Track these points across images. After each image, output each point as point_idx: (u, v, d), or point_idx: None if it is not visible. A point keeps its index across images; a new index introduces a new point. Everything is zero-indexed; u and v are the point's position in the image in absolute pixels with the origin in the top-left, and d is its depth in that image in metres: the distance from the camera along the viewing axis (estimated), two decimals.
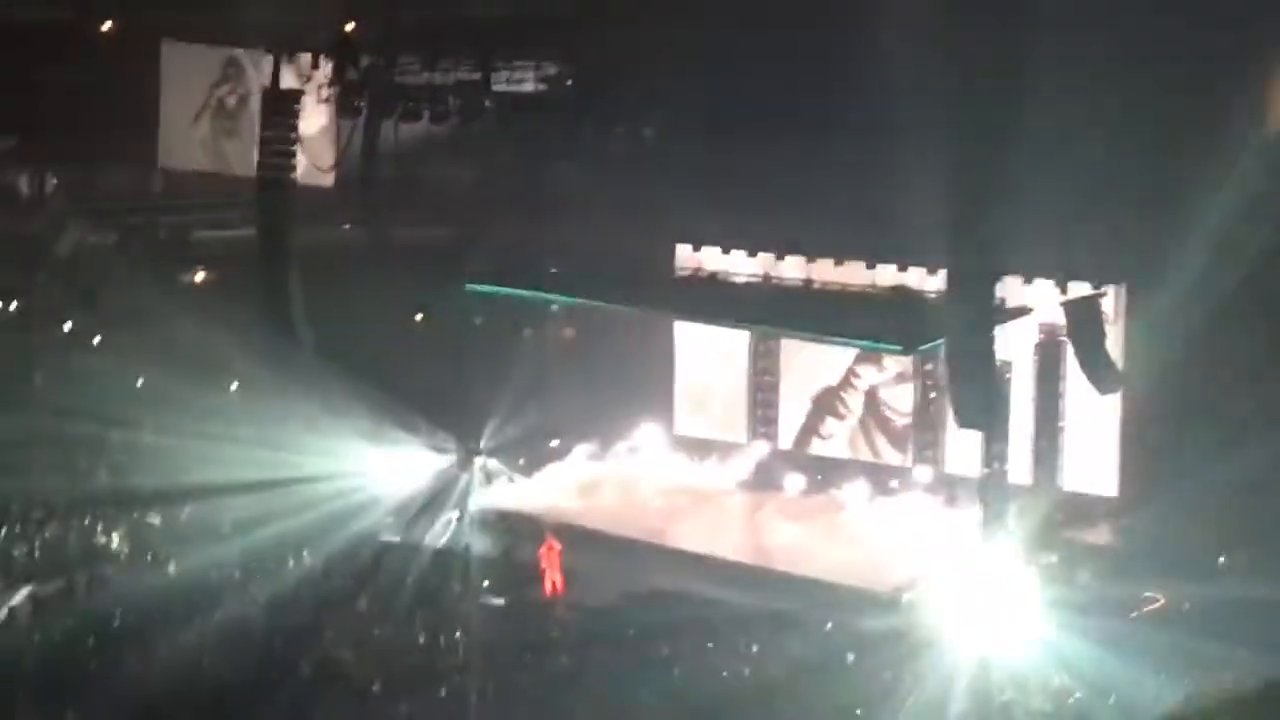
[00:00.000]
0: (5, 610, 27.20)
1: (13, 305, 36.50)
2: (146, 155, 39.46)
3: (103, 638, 25.65)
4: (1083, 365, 29.72)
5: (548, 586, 29.37)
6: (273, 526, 29.05)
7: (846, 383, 34.68)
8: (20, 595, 27.53)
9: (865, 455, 34.29)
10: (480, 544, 30.53)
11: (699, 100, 30.90)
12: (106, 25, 38.70)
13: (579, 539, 30.70)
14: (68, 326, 36.03)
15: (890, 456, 34.08)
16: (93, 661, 25.07)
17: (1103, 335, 29.78)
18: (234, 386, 32.76)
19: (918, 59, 27.82)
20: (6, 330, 35.99)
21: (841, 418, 34.76)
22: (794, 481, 33.92)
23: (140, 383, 33.66)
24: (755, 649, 26.19)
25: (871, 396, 34.48)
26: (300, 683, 24.89)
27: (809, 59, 30.78)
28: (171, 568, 28.28)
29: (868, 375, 34.37)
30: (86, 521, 30.10)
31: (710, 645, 26.35)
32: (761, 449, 34.76)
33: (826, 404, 34.84)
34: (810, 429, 34.96)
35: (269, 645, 26.08)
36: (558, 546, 29.71)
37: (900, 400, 34.02)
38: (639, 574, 29.86)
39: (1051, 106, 27.50)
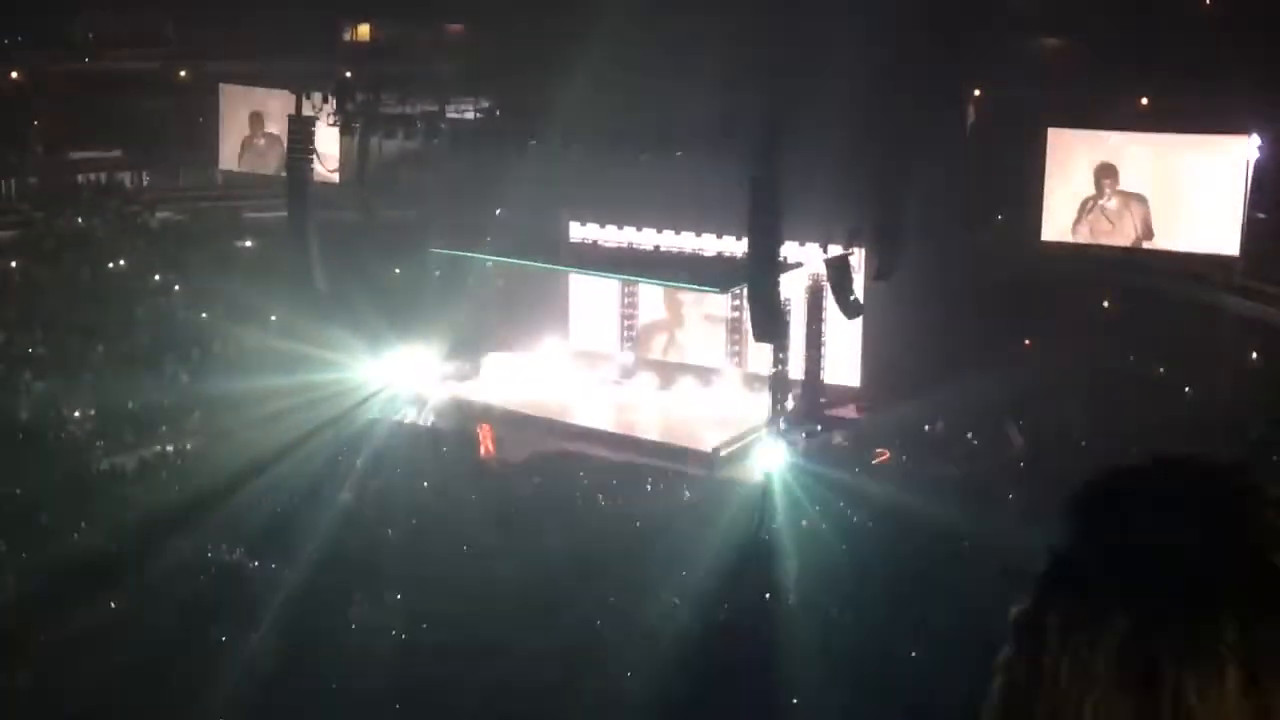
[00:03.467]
0: None
1: (120, 263, 36.28)
2: (210, 161, 39.10)
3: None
4: (837, 300, 29.82)
5: (482, 450, 29.72)
6: (311, 409, 29.15)
7: (683, 311, 34.71)
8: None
9: (696, 360, 34.17)
10: (440, 421, 31.30)
11: (584, 123, 30.32)
12: (183, 73, 38.51)
13: (507, 418, 30.96)
14: (156, 278, 35.86)
15: (712, 360, 33.91)
16: None
17: (850, 281, 29.79)
18: (273, 318, 32.55)
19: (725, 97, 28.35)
20: (115, 280, 35.67)
21: (678, 336, 34.74)
22: (648, 377, 33.96)
23: (205, 317, 33.65)
24: (620, 485, 26.92)
25: (700, 321, 34.52)
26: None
27: (652, 95, 30.81)
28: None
29: (698, 306, 34.34)
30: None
31: (587, 482, 27.07)
32: (627, 356, 34.71)
33: (667, 326, 34.84)
34: (658, 343, 34.91)
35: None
36: (489, 426, 30.05)
37: (717, 323, 33.95)
38: (546, 440, 30.15)
39: (818, 127, 28.36)
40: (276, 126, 36.48)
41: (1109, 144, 30.92)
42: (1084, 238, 31.20)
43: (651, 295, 34.61)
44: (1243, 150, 29.22)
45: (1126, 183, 30.84)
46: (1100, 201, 30.99)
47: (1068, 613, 1.74)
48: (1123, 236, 30.90)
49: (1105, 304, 31.01)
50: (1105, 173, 30.87)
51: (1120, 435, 25.25)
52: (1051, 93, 30.92)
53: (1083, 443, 26.70)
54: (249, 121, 38.58)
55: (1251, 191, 29.04)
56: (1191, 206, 29.96)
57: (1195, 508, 1.75)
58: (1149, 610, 1.69)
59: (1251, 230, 29.08)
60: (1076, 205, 31.25)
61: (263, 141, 38.40)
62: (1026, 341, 31.18)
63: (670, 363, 34.46)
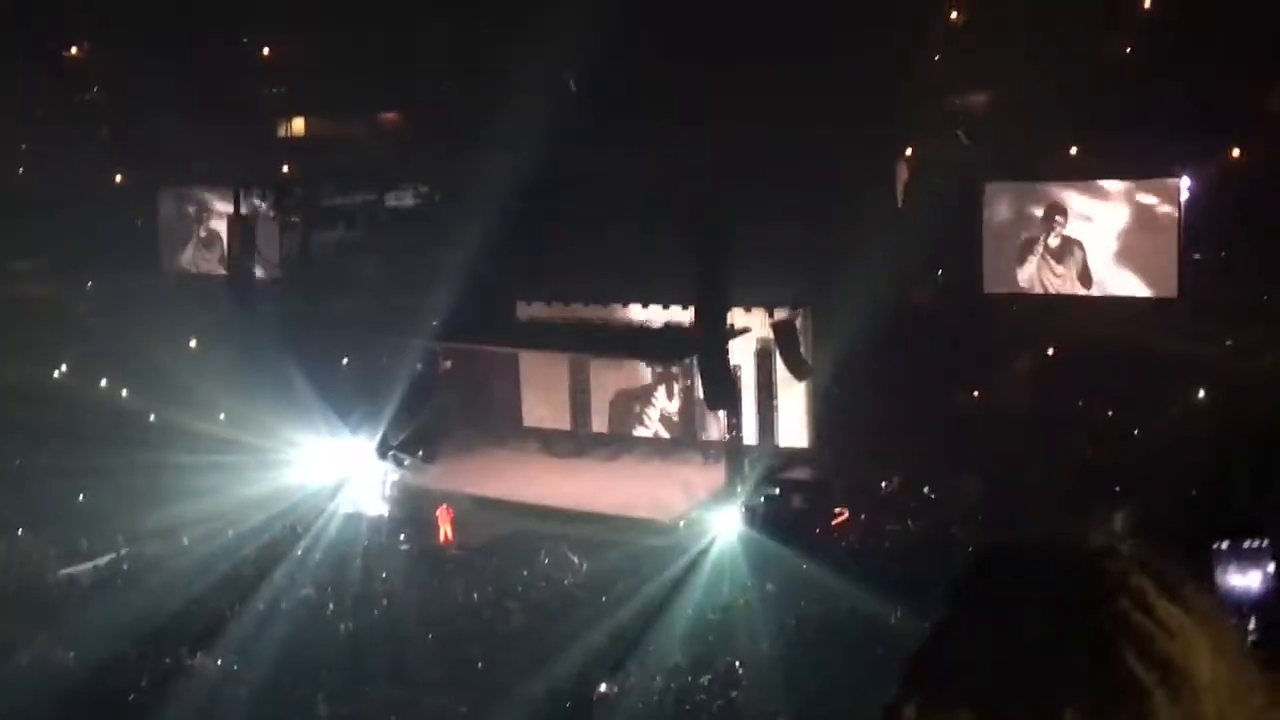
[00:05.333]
0: None
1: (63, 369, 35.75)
2: (151, 263, 38.79)
3: None
4: (785, 363, 30.02)
5: (441, 536, 29.55)
6: (265, 504, 29.01)
7: (635, 384, 34.81)
8: None
9: (649, 432, 34.39)
10: (396, 509, 31.05)
11: (523, 209, 30.68)
12: (119, 178, 38.40)
13: (463, 500, 30.66)
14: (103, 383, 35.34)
15: (666, 432, 34.17)
16: None
17: (797, 343, 30.03)
18: (221, 416, 32.14)
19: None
20: (60, 387, 35.21)
21: (632, 408, 34.81)
22: (604, 452, 34.04)
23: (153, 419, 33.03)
24: (579, 562, 26.76)
25: (651, 391, 34.63)
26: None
27: (593, 169, 31.07)
28: None
29: (649, 378, 34.46)
30: None
31: (548, 561, 26.92)
32: (581, 432, 34.74)
33: (621, 400, 34.88)
34: (612, 417, 34.94)
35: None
36: (450, 509, 29.89)
37: (670, 393, 34.19)
38: (505, 521, 29.93)
39: (757, 194, 28.76)
40: (218, 225, 36.48)
41: (1047, 193, 31.33)
42: (1028, 280, 31.51)
43: (604, 368, 34.60)
44: (1174, 192, 29.70)
45: (1068, 230, 31.23)
46: (1042, 248, 31.33)
47: (922, 704, 1.70)
48: (1065, 281, 31.24)
49: (1050, 351, 31.31)
50: (1048, 221, 31.26)
51: (1074, 480, 25.51)
52: (984, 147, 31.34)
53: (1037, 489, 26.83)
54: (191, 221, 38.58)
55: (1185, 233, 29.48)
56: (1129, 250, 30.35)
57: (1050, 595, 1.69)
58: (992, 707, 1.64)
59: (1187, 271, 29.50)
60: (1020, 254, 31.58)
61: (205, 239, 38.38)
62: (975, 393, 31.41)
63: (625, 435, 34.46)
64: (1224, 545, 13.15)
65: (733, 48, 29.34)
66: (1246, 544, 13.41)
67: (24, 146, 37.17)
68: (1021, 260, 31.61)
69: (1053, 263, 31.33)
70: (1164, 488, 23.64)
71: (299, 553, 27.53)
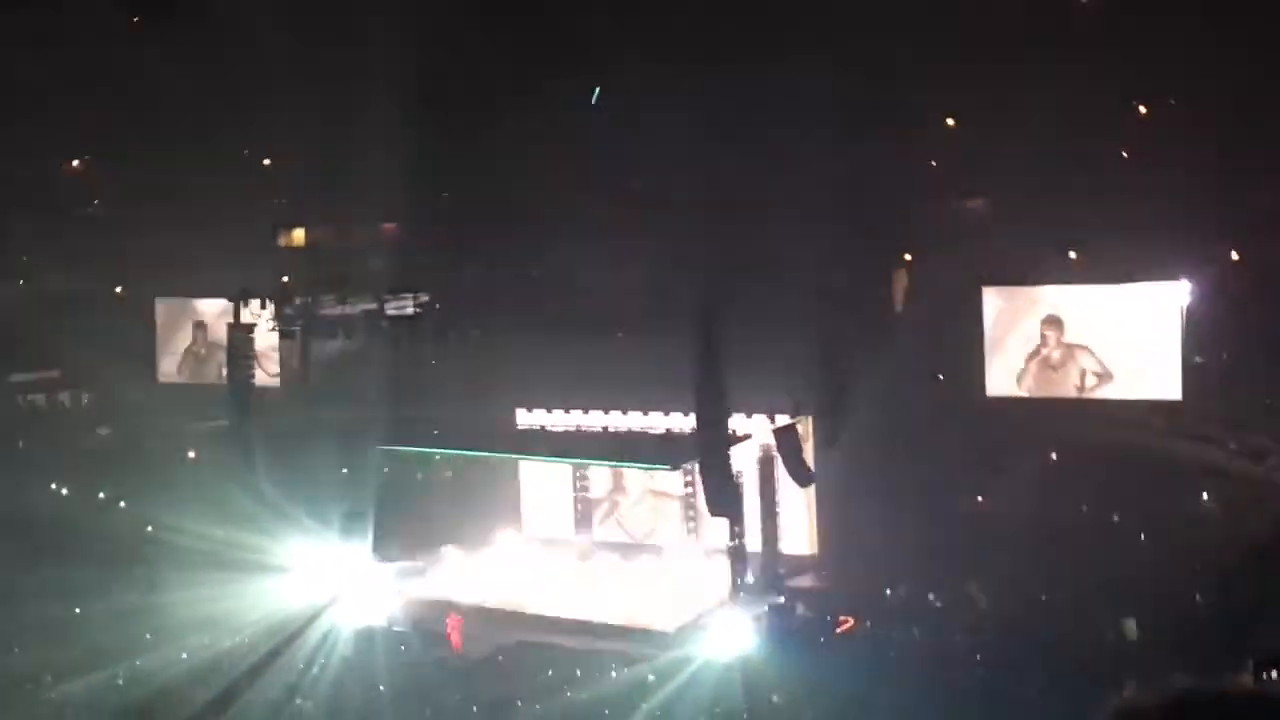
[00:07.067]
0: None
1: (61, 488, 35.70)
2: (149, 375, 38.66)
3: None
4: (788, 470, 29.86)
5: (451, 645, 29.24)
6: (261, 618, 28.84)
7: (626, 485, 34.68)
8: None
9: (652, 539, 34.09)
10: (397, 621, 30.73)
11: (523, 317, 30.94)
12: (118, 289, 38.51)
13: (465, 611, 30.51)
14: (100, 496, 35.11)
15: (668, 538, 33.85)
16: None
17: (800, 449, 29.85)
18: (218, 530, 31.34)
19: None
20: (59, 502, 35.10)
21: (634, 515, 34.69)
22: (606, 559, 33.83)
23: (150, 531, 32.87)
24: (582, 674, 26.60)
25: (654, 498, 34.42)
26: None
27: (591, 279, 31.40)
28: None
29: (651, 485, 34.34)
30: None
31: (551, 673, 26.77)
32: (583, 539, 34.63)
33: (624, 507, 34.80)
34: (615, 523, 34.87)
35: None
36: (460, 618, 29.72)
37: (670, 500, 33.90)
38: (506, 632, 29.76)
39: (756, 301, 28.86)
40: (217, 335, 36.42)
41: (1046, 297, 31.41)
42: (1029, 389, 31.50)
43: (603, 475, 34.62)
44: (1174, 295, 29.78)
45: (1069, 335, 31.28)
46: (1045, 351, 31.35)
47: None
48: (1067, 387, 31.22)
49: (1054, 455, 31.23)
50: (1050, 324, 31.28)
51: (1082, 586, 25.37)
52: (982, 252, 31.48)
53: (1043, 597, 26.74)
54: (191, 330, 38.57)
55: (1186, 335, 29.52)
56: (1131, 354, 30.38)
57: None
58: None
59: (1190, 374, 29.50)
60: (1022, 358, 31.59)
61: (204, 350, 38.39)
62: (979, 499, 31.31)
63: (628, 543, 34.28)
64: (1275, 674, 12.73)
65: (732, 153, 29.62)
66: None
67: (24, 259, 37.29)
68: (1027, 362, 31.57)
69: (1056, 363, 31.28)
70: (1170, 597, 23.51)
71: (298, 665, 27.38)
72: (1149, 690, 1.71)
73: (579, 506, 34.84)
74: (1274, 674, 13.12)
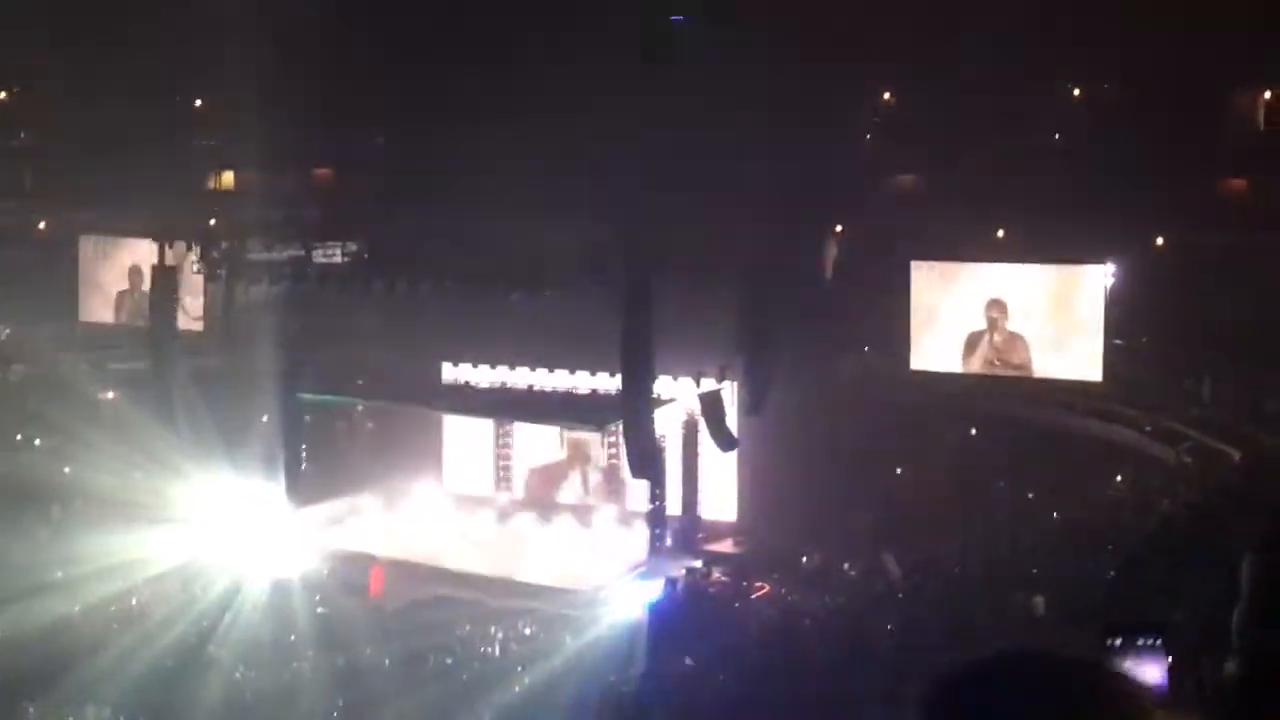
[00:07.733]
0: None
1: None
2: (69, 315, 38.27)
3: None
4: (711, 434, 29.83)
5: (371, 593, 28.98)
6: (177, 562, 28.49)
7: (557, 450, 34.56)
8: None
9: (573, 499, 34.10)
10: (313, 571, 30.33)
11: (453, 264, 30.65)
12: (42, 225, 37.86)
13: (383, 564, 30.09)
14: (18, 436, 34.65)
15: (590, 499, 33.90)
16: None
17: (723, 415, 29.78)
18: (137, 473, 31.45)
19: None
20: None
21: (556, 475, 34.61)
22: (525, 518, 33.76)
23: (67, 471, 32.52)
24: (498, 632, 26.49)
25: (575, 459, 34.45)
26: None
27: (521, 234, 31.12)
28: None
29: (574, 446, 34.28)
30: None
31: (468, 629, 26.64)
32: (503, 497, 34.51)
33: (545, 467, 34.71)
34: (535, 483, 34.77)
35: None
36: (381, 569, 29.57)
37: (595, 461, 34.01)
38: (423, 586, 29.60)
39: (687, 263, 28.84)
40: (141, 275, 36.03)
41: (981, 276, 31.64)
42: (975, 369, 31.77)
43: (526, 434, 34.44)
44: (1098, 278, 30.16)
45: (1012, 322, 31.52)
46: (990, 337, 31.61)
47: None
48: (1008, 369, 31.55)
49: (973, 431, 31.58)
50: (994, 308, 31.52)
51: (994, 560, 25.68)
52: (911, 226, 31.70)
53: (956, 569, 27.01)
54: (128, 275, 37.89)
55: (1108, 317, 29.90)
56: (1056, 334, 30.70)
57: (1042, 711, 1.66)
58: None
59: (1111, 356, 29.89)
60: (956, 336, 31.79)
61: (127, 290, 37.91)
62: (898, 470, 31.60)
63: (546, 502, 34.20)
64: (1118, 642, 13.67)
65: (665, 117, 29.58)
66: (1141, 641, 13.83)
67: None
68: (969, 346, 31.82)
69: (1001, 348, 31.56)
70: (1080, 572, 23.83)
71: (210, 613, 26.94)
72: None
73: (500, 464, 34.69)
74: (1116, 641, 13.66)
